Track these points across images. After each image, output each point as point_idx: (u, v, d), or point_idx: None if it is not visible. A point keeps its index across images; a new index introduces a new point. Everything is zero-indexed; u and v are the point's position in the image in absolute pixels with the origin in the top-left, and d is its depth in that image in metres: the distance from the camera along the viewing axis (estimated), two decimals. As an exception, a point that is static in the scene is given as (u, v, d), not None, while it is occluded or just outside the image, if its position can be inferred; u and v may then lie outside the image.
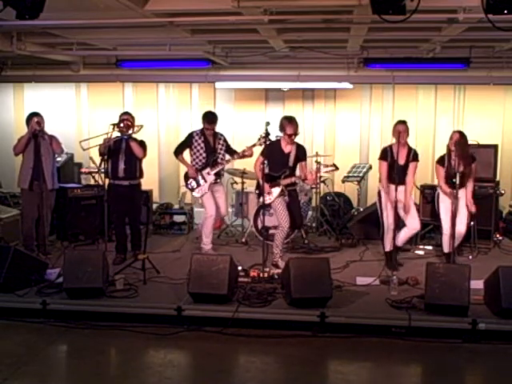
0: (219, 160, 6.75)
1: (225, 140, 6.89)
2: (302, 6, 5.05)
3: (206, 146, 6.72)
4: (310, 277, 4.93)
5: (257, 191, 6.44)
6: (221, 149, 6.80)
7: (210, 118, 6.72)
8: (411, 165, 6.06)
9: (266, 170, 6.02)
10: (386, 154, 6.08)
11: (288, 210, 6.22)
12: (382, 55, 7.62)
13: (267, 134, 6.04)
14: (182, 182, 7.15)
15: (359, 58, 7.93)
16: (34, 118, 6.38)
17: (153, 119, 9.18)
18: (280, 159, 6.17)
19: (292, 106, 8.99)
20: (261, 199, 6.08)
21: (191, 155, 6.81)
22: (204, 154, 6.72)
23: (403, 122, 6.07)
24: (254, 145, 6.58)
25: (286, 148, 6.19)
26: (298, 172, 6.37)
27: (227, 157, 6.87)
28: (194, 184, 6.70)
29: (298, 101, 8.98)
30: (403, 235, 6.14)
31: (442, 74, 8.22)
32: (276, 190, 6.16)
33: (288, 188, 6.22)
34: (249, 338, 4.70)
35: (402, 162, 6.04)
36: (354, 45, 7.13)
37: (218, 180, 6.84)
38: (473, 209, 6.16)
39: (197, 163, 6.73)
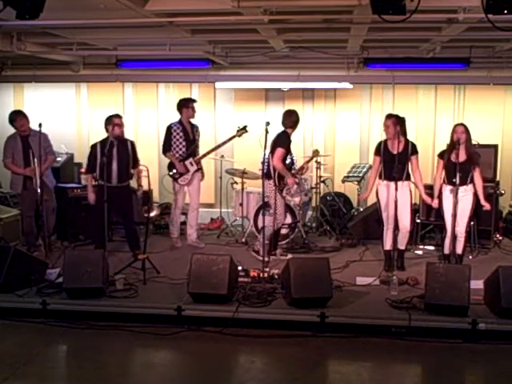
0: (198, 150, 7.04)
1: (198, 130, 7.17)
2: (302, 6, 5.05)
3: (186, 136, 6.97)
4: (310, 277, 4.94)
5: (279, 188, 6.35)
6: (197, 139, 7.07)
7: (188, 98, 7.13)
8: (412, 159, 6.01)
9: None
10: (379, 149, 6.08)
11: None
12: (382, 55, 7.62)
13: (244, 126, 6.71)
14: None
15: (359, 58, 7.93)
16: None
17: (153, 119, 9.18)
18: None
19: (292, 106, 8.93)
20: (286, 196, 6.43)
21: (172, 147, 7.02)
22: (184, 143, 6.96)
23: (390, 117, 6.00)
24: (234, 136, 6.96)
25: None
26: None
27: None
28: (177, 174, 6.97)
29: (297, 101, 8.97)
30: (400, 238, 6.07)
31: (442, 74, 8.22)
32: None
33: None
34: (249, 338, 4.70)
35: (395, 151, 5.92)
36: (354, 45, 7.12)
37: (199, 169, 7.08)
38: (485, 205, 5.95)
39: (178, 153, 6.96)
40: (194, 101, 7.14)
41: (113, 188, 6.28)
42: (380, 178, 6.11)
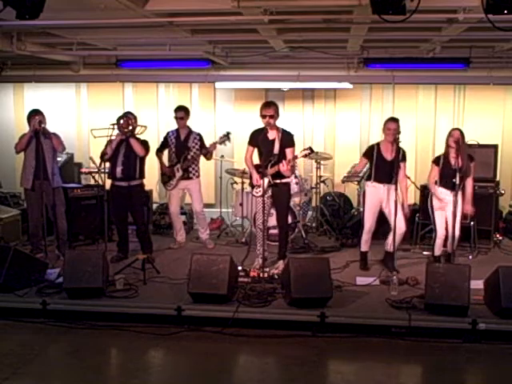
0: (189, 157, 7.03)
1: (200, 139, 7.17)
2: (302, 6, 5.05)
3: (177, 142, 7.10)
4: (310, 277, 4.94)
5: (251, 183, 6.24)
6: (194, 147, 7.08)
7: (176, 107, 7.21)
8: (401, 165, 5.93)
9: (256, 161, 6.09)
10: (371, 152, 6.02)
11: (273, 205, 6.15)
12: (382, 55, 7.62)
13: (228, 133, 6.89)
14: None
15: (359, 57, 7.94)
16: (36, 117, 6.33)
17: (153, 119, 9.17)
18: (265, 147, 5.87)
19: (292, 105, 9.00)
20: (253, 191, 6.05)
21: (168, 153, 7.22)
22: (174, 149, 7.10)
23: (395, 120, 5.95)
24: (215, 143, 7.05)
25: (270, 134, 5.92)
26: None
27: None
28: (166, 178, 7.15)
29: (297, 101, 8.99)
30: (391, 239, 5.96)
31: (442, 73, 8.22)
32: (264, 182, 5.76)
33: (276, 180, 5.89)
34: (249, 338, 4.70)
35: (389, 157, 5.91)
36: (354, 45, 7.12)
37: (187, 175, 7.07)
38: (469, 209, 5.95)
39: (171, 159, 7.16)
40: (177, 109, 7.13)
41: (122, 187, 6.36)
42: (369, 179, 6.09)
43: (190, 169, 7.06)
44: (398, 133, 5.85)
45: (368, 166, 6.26)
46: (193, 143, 7.08)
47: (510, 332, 4.65)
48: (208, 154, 7.10)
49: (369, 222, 6.10)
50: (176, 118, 7.06)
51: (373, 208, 6.03)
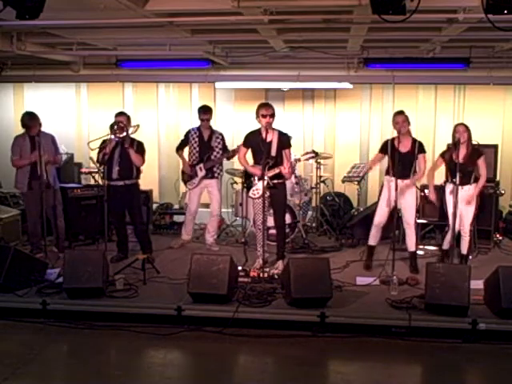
0: (212, 157, 7.01)
1: (222, 139, 7.16)
2: (302, 6, 5.05)
3: (200, 141, 7.05)
4: (310, 277, 4.94)
5: (245, 185, 6.25)
6: (217, 146, 7.06)
7: (203, 108, 7.12)
8: (420, 157, 5.91)
9: (251, 162, 6.07)
10: (386, 147, 5.96)
11: (271, 206, 6.12)
12: (382, 55, 7.62)
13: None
14: (182, 184, 7.55)
15: (359, 58, 7.93)
16: (36, 123, 6.31)
17: (153, 119, 9.18)
18: (264, 148, 5.69)
19: (292, 105, 9.00)
20: (250, 193, 6.01)
21: (188, 151, 7.15)
22: (197, 149, 7.05)
23: (401, 113, 5.95)
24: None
25: (267, 136, 5.75)
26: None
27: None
28: (187, 177, 7.12)
29: (297, 101, 8.98)
30: (408, 240, 6.11)
31: (442, 73, 8.22)
32: (261, 184, 5.72)
33: (273, 181, 5.84)
34: (249, 337, 4.70)
35: (403, 150, 5.86)
36: (354, 45, 7.12)
37: (210, 175, 7.05)
38: (470, 203, 5.91)
39: (192, 158, 7.08)
40: (201, 108, 7.08)
41: (118, 187, 6.32)
42: (387, 174, 6.09)
43: (215, 168, 7.07)
44: (408, 123, 5.88)
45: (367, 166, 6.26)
46: (215, 143, 7.05)
47: (509, 332, 4.66)
48: (226, 154, 7.12)
49: (378, 216, 6.08)
50: (202, 119, 7.00)
51: (385, 202, 5.98)
